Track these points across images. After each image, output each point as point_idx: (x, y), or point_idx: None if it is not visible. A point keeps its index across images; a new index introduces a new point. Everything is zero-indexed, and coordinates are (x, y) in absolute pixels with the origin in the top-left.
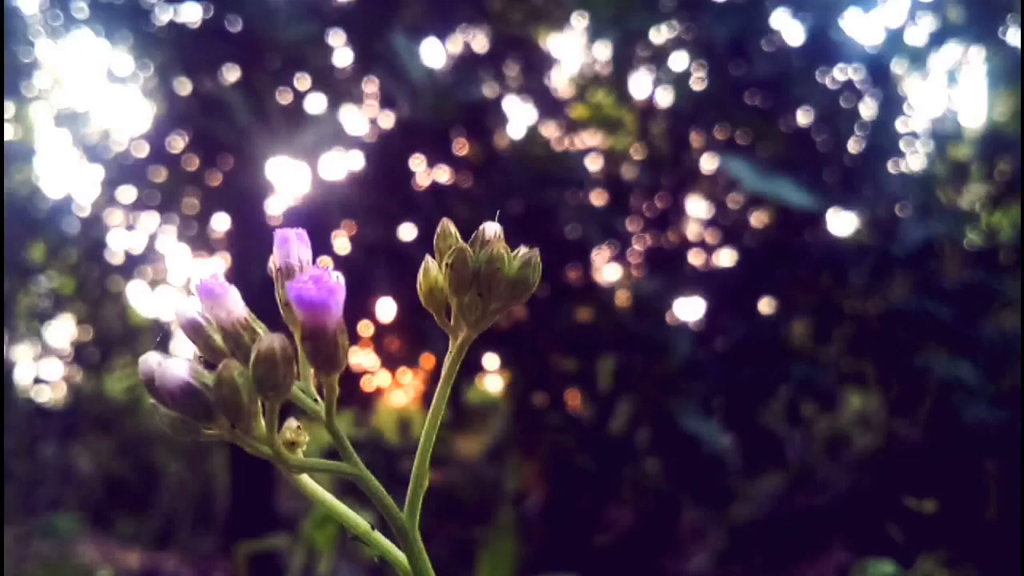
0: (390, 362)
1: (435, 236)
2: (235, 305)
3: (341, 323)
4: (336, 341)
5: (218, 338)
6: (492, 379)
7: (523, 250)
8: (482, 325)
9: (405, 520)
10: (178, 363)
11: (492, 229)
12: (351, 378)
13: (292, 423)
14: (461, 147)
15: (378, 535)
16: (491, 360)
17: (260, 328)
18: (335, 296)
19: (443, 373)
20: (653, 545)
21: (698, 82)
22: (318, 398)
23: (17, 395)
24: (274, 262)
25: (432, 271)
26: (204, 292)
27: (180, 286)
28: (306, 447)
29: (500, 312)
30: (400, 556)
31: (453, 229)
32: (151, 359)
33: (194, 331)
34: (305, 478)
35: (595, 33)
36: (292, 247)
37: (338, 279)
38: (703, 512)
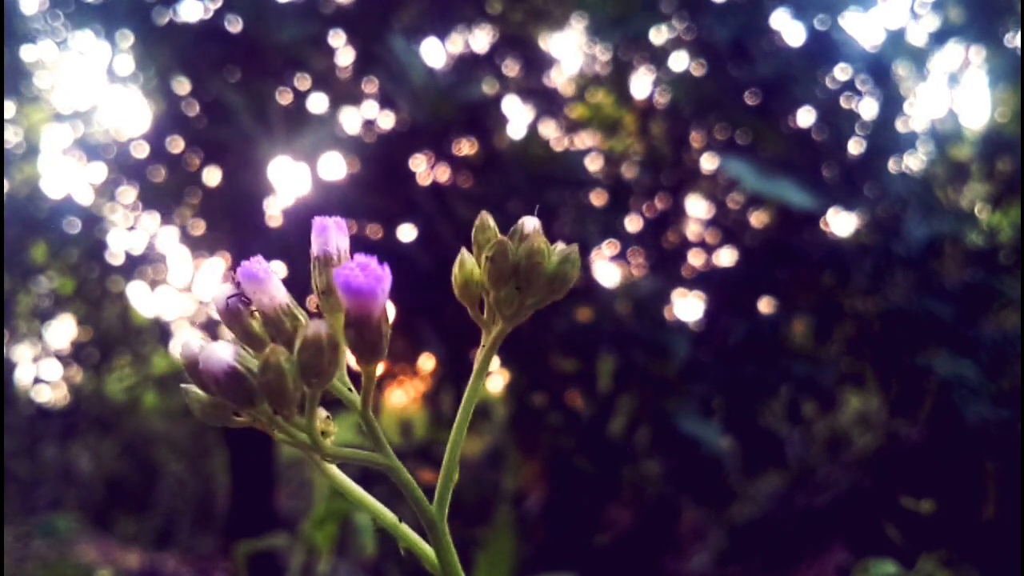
0: (390, 363)
1: (473, 229)
2: (277, 290)
3: (385, 311)
4: (380, 329)
5: (256, 324)
6: (492, 379)
7: (562, 245)
8: (518, 319)
9: (434, 513)
10: (222, 346)
11: (531, 223)
12: (352, 378)
13: (322, 413)
14: (461, 147)
15: (406, 527)
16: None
17: (302, 315)
18: (382, 284)
19: (476, 367)
20: (653, 545)
21: (698, 82)
22: (352, 387)
23: (17, 395)
24: (312, 251)
25: (468, 263)
26: (247, 276)
27: (181, 287)
28: (332, 438)
29: (536, 307)
30: (428, 549)
31: (492, 222)
32: (193, 342)
33: (232, 316)
34: (334, 468)
35: (595, 34)
36: (331, 236)
37: (384, 268)
38: (703, 512)
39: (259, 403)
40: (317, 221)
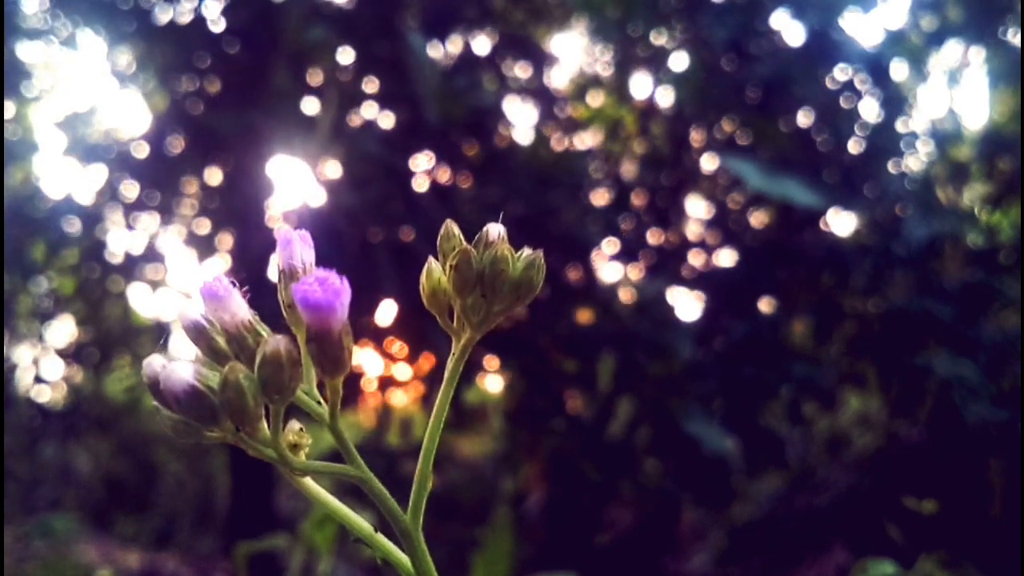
0: (391, 363)
1: (438, 237)
2: (239, 307)
3: (346, 325)
4: (341, 343)
5: (221, 340)
6: (492, 379)
7: (527, 251)
8: (485, 326)
9: (408, 522)
10: (182, 366)
11: (496, 230)
12: (353, 379)
13: (294, 425)
14: (464, 148)
15: (381, 537)
16: (491, 360)
17: (264, 330)
18: (340, 298)
19: (446, 375)
20: (653, 545)
21: (698, 82)
22: (321, 400)
23: (17, 395)
24: (277, 264)
25: (435, 272)
26: (208, 294)
27: (181, 288)
28: (307, 449)
29: (503, 314)
30: (403, 558)
31: (456, 230)
32: (155, 362)
33: (197, 333)
34: (308, 481)
35: (597, 35)
36: (295, 249)
37: (343, 281)
38: (703, 512)
39: (222, 421)
40: (281, 234)
